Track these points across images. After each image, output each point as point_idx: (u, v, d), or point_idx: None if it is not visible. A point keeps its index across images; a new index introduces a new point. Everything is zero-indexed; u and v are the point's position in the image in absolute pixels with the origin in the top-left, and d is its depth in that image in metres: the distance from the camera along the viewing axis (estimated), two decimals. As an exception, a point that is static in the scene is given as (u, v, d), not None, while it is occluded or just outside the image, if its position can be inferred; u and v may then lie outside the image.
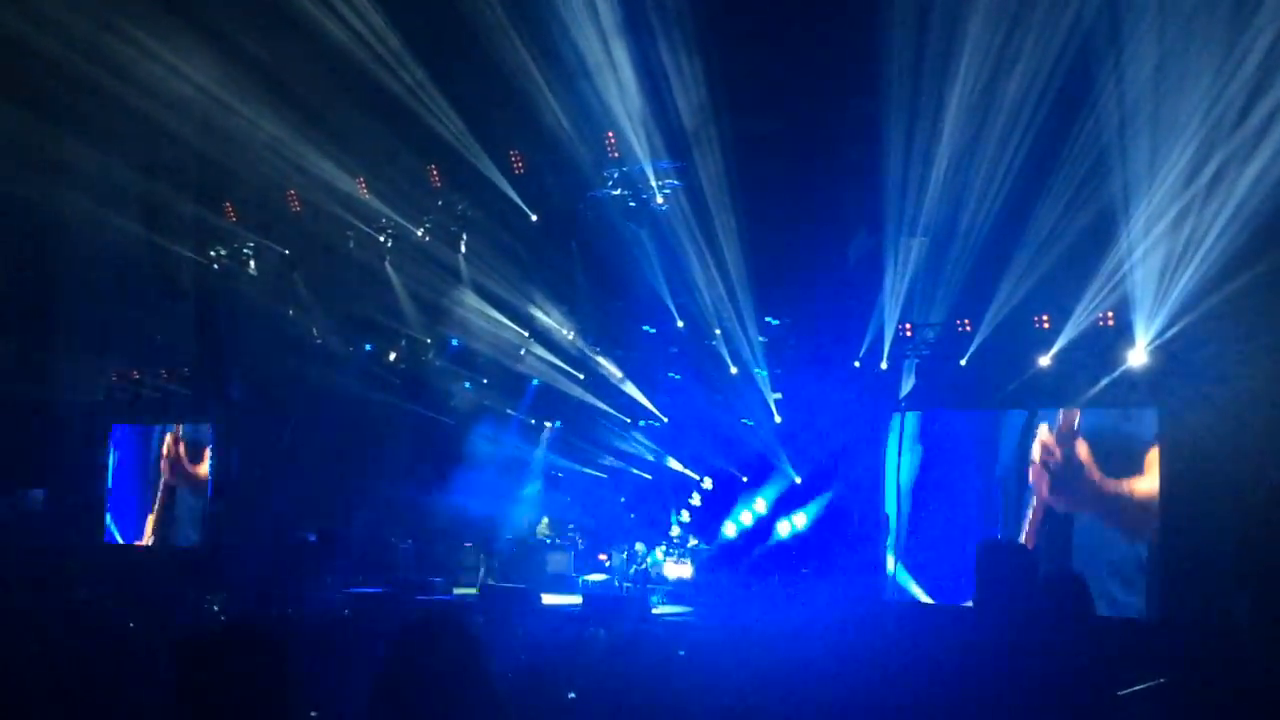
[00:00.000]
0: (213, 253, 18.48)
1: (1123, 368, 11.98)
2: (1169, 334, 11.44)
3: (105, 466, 20.56)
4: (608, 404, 17.41)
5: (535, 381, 17.98)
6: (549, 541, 16.70)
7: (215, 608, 13.32)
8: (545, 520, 16.89)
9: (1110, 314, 12.10)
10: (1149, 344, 11.66)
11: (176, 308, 19.47)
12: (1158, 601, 11.62)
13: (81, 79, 14.69)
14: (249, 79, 14.73)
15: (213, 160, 17.18)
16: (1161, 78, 10.72)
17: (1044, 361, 12.70)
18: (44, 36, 14.10)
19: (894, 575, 13.49)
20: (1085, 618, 4.19)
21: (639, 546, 15.73)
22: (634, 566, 15.47)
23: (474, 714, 3.29)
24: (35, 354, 19.38)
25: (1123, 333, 11.95)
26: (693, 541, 15.96)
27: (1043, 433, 12.89)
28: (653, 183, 14.78)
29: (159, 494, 19.93)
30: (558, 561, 16.31)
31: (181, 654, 2.81)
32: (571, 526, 16.71)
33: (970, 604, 4.52)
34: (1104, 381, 12.16)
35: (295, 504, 18.30)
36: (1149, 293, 11.50)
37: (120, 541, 20.08)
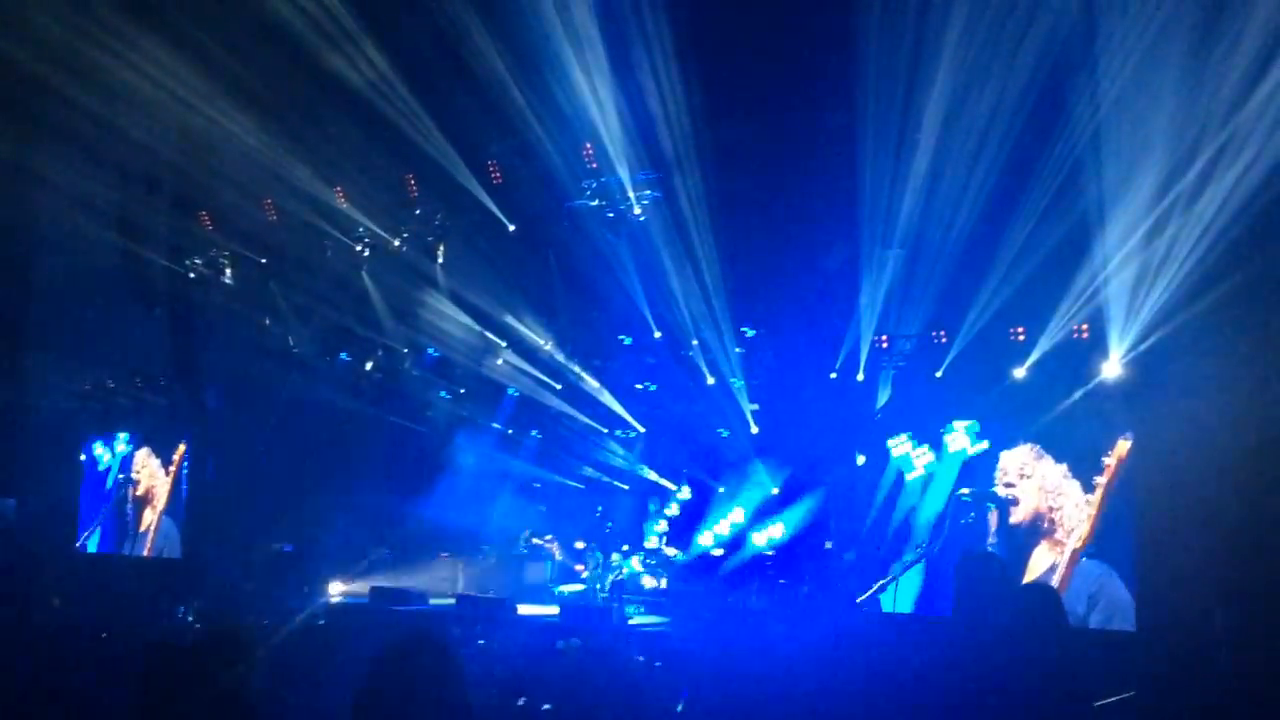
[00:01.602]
0: (188, 261, 18.39)
1: (1097, 380, 12.04)
2: (1143, 347, 11.50)
3: (78, 476, 20.42)
4: (585, 414, 17.41)
5: (513, 391, 17.97)
6: (526, 552, 16.67)
7: (190, 618, 13.27)
8: (527, 533, 16.85)
9: (1085, 326, 12.17)
10: (1123, 356, 11.73)
11: (152, 316, 19.38)
12: (1134, 613, 11.66)
13: (55, 87, 14.61)
14: (225, 87, 14.67)
15: (188, 169, 17.10)
16: (1136, 91, 10.79)
17: (1019, 373, 12.77)
18: (16, 44, 14.02)
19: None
20: (1057, 630, 4.21)
21: (615, 557, 15.71)
22: (610, 577, 15.45)
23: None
24: (7, 362, 19.25)
25: (1097, 345, 12.02)
26: (670, 551, 15.96)
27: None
28: (630, 194, 14.79)
29: (132, 503, 19.79)
30: (534, 572, 16.28)
31: (150, 656, 2.80)
32: (549, 537, 16.68)
33: (945, 615, 4.54)
34: (1078, 393, 12.22)
35: (271, 514, 18.23)
36: (1123, 305, 11.57)
37: (93, 551, 19.94)
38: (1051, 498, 12.48)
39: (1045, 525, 12.52)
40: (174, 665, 2.83)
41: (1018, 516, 12.72)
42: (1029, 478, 12.74)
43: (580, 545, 16.04)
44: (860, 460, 14.09)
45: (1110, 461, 12.01)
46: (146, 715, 2.77)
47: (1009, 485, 12.82)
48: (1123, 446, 11.93)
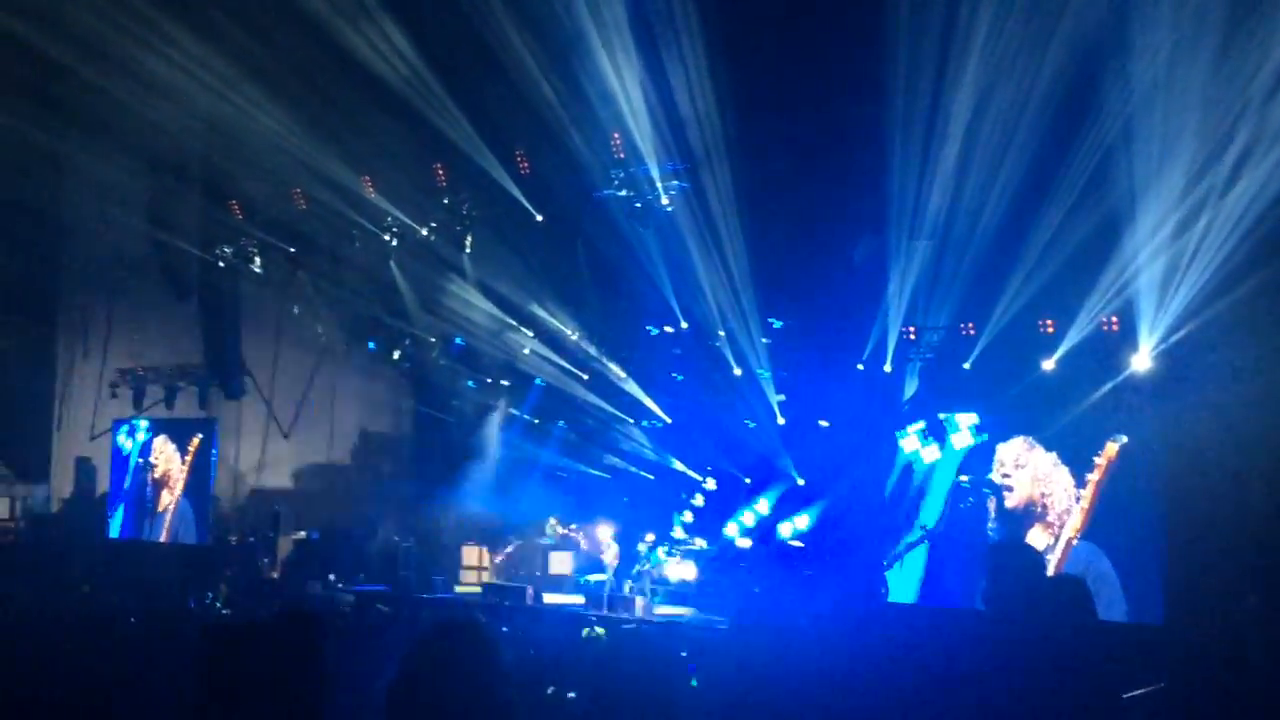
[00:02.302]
0: (218, 250, 18.51)
1: (1126, 372, 11.97)
2: (1173, 339, 11.43)
3: (108, 463, 20.59)
4: (611, 404, 17.42)
5: (539, 381, 18.00)
6: (552, 542, 16.70)
7: (219, 603, 13.37)
8: (553, 520, 16.88)
9: (1115, 319, 12.09)
10: (1153, 349, 11.65)
11: (181, 305, 19.52)
12: (1162, 606, 11.61)
13: (87, 76, 14.72)
14: (255, 77, 14.74)
15: (218, 158, 17.21)
16: (1168, 82, 10.70)
17: (1048, 365, 12.70)
18: (48, 34, 14.13)
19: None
20: (1087, 621, 4.19)
21: (641, 547, 15.72)
22: (636, 567, 15.47)
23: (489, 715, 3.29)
24: (40, 350, 19.43)
25: (1127, 338, 11.94)
26: (697, 543, 15.97)
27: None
28: (658, 184, 14.78)
29: (162, 490, 19.96)
30: (560, 561, 16.31)
31: (210, 639, 2.81)
32: (574, 526, 16.71)
33: (973, 607, 4.53)
34: (1107, 386, 12.15)
35: (298, 502, 18.35)
36: (1153, 298, 11.49)
37: (123, 537, 20.11)
38: (1043, 484, 12.68)
39: (1038, 510, 12.68)
40: (237, 647, 2.84)
41: (1012, 502, 12.87)
42: (1023, 467, 12.93)
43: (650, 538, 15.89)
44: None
45: (1100, 461, 12.07)
46: (211, 698, 2.78)
47: (1005, 475, 12.97)
48: (1111, 448, 11.99)
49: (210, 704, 2.75)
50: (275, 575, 17.21)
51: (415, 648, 3.36)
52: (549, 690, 6.62)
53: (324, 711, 2.86)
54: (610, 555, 15.61)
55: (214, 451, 19.34)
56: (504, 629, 11.67)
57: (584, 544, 16.45)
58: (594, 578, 15.76)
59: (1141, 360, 11.78)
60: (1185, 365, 11.43)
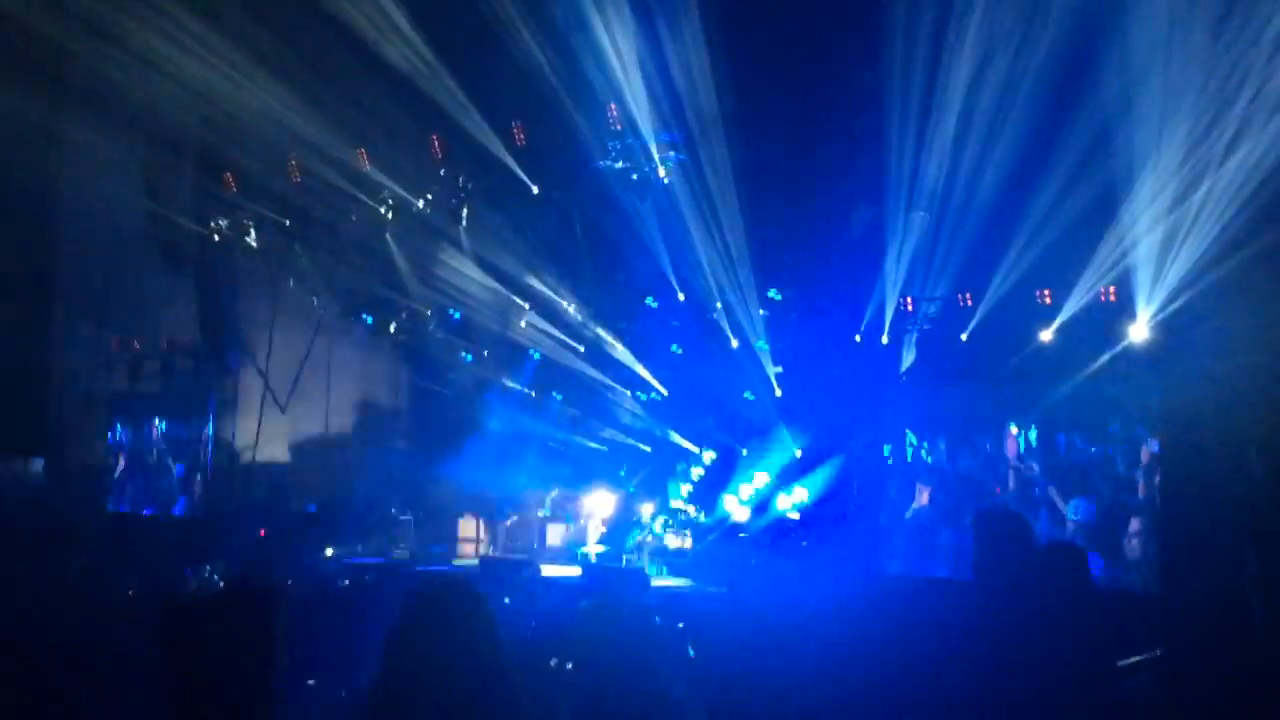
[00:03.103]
0: (213, 223, 18.44)
1: (1124, 343, 11.96)
2: (1171, 309, 11.40)
3: (105, 435, 20.57)
4: (608, 376, 17.42)
5: (536, 354, 17.98)
6: (549, 514, 16.72)
7: (215, 576, 13.37)
8: (555, 491, 16.90)
9: (1112, 289, 12.06)
10: (1151, 319, 11.63)
11: (176, 277, 19.46)
12: (1157, 574, 11.64)
13: (82, 50, 14.64)
14: (250, 49, 14.66)
15: (212, 130, 17.13)
16: (1167, 51, 10.65)
17: (1045, 336, 12.68)
18: (43, 8, 14.04)
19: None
20: (1083, 588, 4.19)
21: (648, 508, 15.75)
22: (633, 538, 15.49)
23: (481, 681, 3.30)
24: (35, 322, 19.38)
25: (1124, 307, 11.92)
26: (694, 513, 15.99)
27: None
28: (655, 155, 14.72)
29: (158, 463, 19.96)
30: (557, 533, 16.33)
31: (169, 614, 2.81)
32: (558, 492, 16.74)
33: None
34: (1105, 356, 12.13)
35: (295, 475, 18.35)
36: (1151, 267, 11.46)
37: (120, 510, 20.11)
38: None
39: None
40: (192, 622, 2.85)
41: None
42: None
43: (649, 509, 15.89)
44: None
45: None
46: (168, 671, 2.79)
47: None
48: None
49: (168, 676, 2.75)
50: (273, 548, 17.20)
51: (410, 601, 3.38)
52: (551, 662, 6.63)
53: (277, 681, 2.86)
54: (593, 527, 15.70)
55: (210, 425, 19.32)
56: (505, 600, 11.67)
57: (582, 516, 16.46)
58: (592, 549, 15.80)
59: (1139, 330, 11.76)
60: (1182, 334, 11.41)
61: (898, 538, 13.89)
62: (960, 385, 13.68)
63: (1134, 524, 12.04)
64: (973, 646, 4.18)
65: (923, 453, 14.05)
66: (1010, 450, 13.19)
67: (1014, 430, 13.20)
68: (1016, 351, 12.89)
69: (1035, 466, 12.96)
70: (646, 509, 15.95)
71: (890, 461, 14.17)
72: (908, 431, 14.12)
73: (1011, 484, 13.10)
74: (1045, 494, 12.76)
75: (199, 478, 19.42)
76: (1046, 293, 12.71)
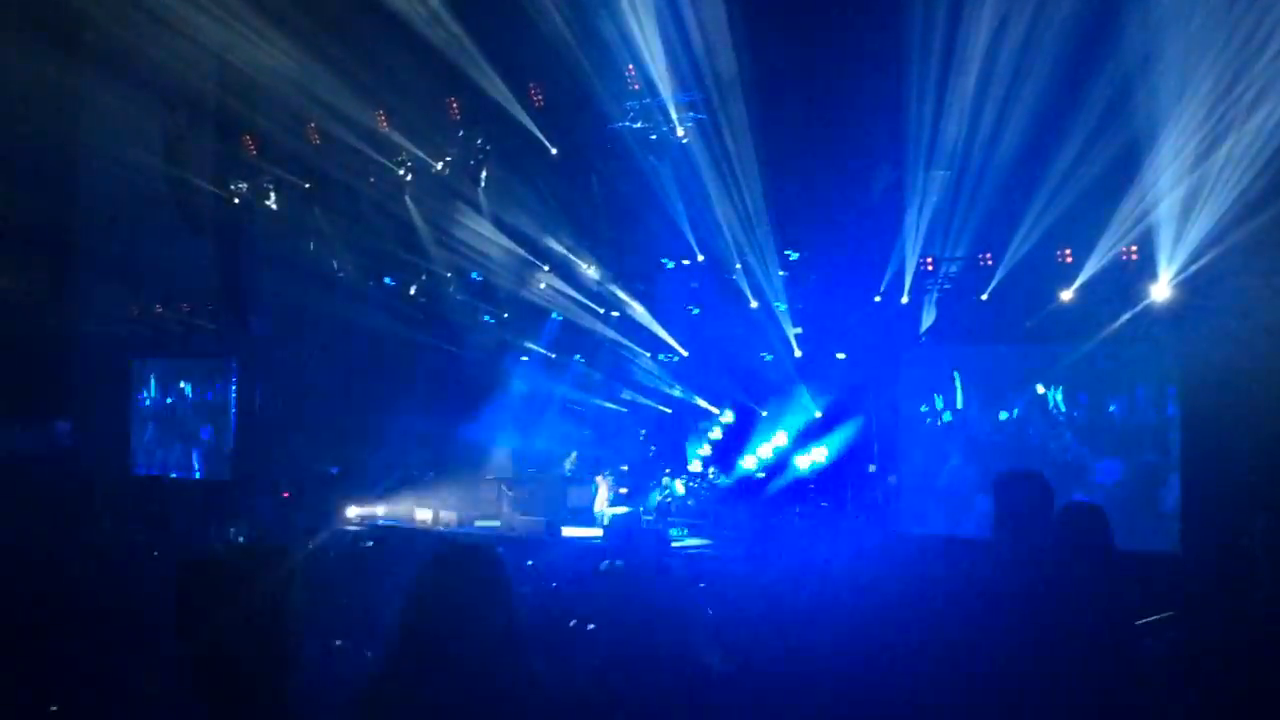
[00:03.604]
0: (233, 186, 18.47)
1: (1145, 302, 11.92)
2: (1192, 269, 11.35)
3: (129, 399, 20.74)
4: (628, 338, 17.43)
5: (555, 315, 18.00)
6: (570, 475, 16.78)
7: (240, 539, 13.50)
8: (574, 455, 16.95)
9: (1134, 248, 12.02)
10: (1172, 279, 11.59)
11: (197, 241, 19.52)
12: (1179, 534, 11.66)
13: (100, 13, 14.63)
14: (268, 11, 14.63)
15: (231, 93, 17.13)
16: (1188, 10, 10.55)
17: (1066, 296, 12.64)
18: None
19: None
20: (1104, 549, 4.20)
21: (667, 472, 15.81)
22: (657, 496, 15.56)
23: (498, 642, 3.34)
24: (58, 287, 19.49)
25: (1145, 267, 11.87)
26: (711, 474, 16.05)
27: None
28: (674, 115, 14.65)
29: (182, 426, 20.13)
30: (578, 495, 16.40)
31: (185, 573, 2.85)
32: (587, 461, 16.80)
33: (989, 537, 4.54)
34: (1126, 316, 12.10)
35: (317, 437, 18.46)
36: (1172, 227, 11.41)
37: (144, 473, 20.29)
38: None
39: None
40: (209, 580, 2.89)
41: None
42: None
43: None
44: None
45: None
46: (184, 630, 2.83)
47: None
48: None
49: (185, 634, 2.80)
50: (297, 510, 17.35)
51: (428, 568, 3.42)
52: (571, 623, 6.69)
53: (296, 641, 2.91)
54: (600, 496, 15.79)
55: (233, 388, 19.46)
56: (529, 562, 11.74)
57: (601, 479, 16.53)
58: (613, 510, 15.87)
59: (1160, 289, 11.73)
60: (1204, 294, 11.37)
61: (929, 500, 13.90)
62: (986, 345, 13.67)
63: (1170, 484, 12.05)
64: (990, 606, 4.20)
65: (946, 415, 14.05)
66: (1039, 411, 13.19)
67: (1040, 390, 13.19)
68: (1038, 311, 12.86)
69: (1064, 427, 12.96)
70: (666, 471, 16.01)
71: (927, 422, 14.17)
72: (936, 396, 14.12)
73: (1041, 445, 13.10)
74: (1076, 455, 12.77)
75: (223, 440, 19.58)
76: (1067, 252, 12.67)
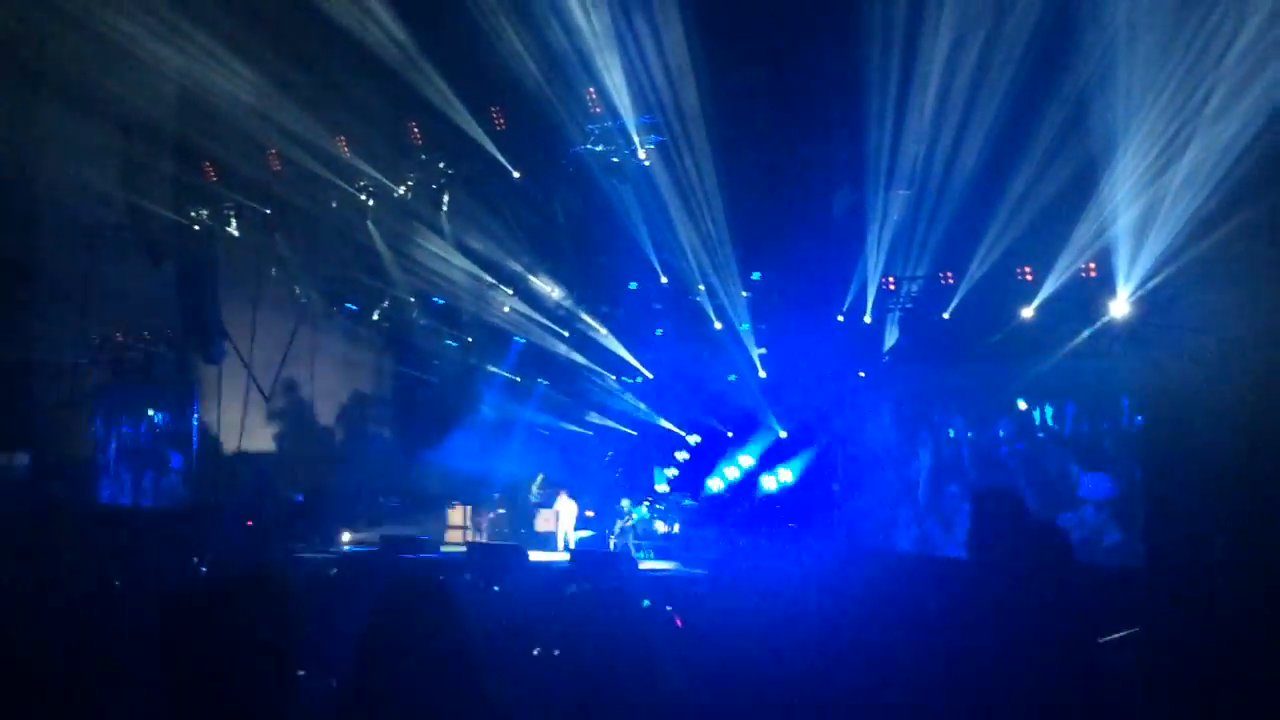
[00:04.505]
0: (193, 214, 18.36)
1: (1105, 318, 12.00)
2: (1150, 284, 11.45)
3: (89, 428, 20.52)
4: (592, 361, 17.42)
5: (520, 339, 17.98)
6: (537, 500, 16.73)
7: (203, 568, 13.36)
8: (540, 478, 16.91)
9: (1092, 265, 12.11)
10: (1131, 294, 11.68)
11: (158, 269, 19.38)
12: (1140, 548, 11.72)
13: (60, 41, 14.54)
14: (228, 39, 14.58)
15: (192, 120, 17.04)
16: (1141, 26, 10.67)
17: (1027, 313, 12.73)
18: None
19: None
20: (1064, 566, 4.22)
21: (624, 503, 15.77)
22: (619, 523, 15.52)
23: (455, 672, 3.33)
24: (17, 316, 19.29)
25: (1105, 283, 11.96)
26: (677, 496, 16.04)
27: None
28: (635, 138, 14.69)
29: (144, 455, 19.93)
30: (545, 519, 16.36)
31: (168, 606, 2.82)
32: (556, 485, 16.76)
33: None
34: (1086, 332, 12.19)
35: (281, 464, 18.33)
36: (1130, 244, 11.51)
37: (106, 503, 20.07)
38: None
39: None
40: (193, 613, 2.86)
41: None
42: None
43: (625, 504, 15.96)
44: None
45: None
46: (170, 663, 2.80)
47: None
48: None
49: (175, 668, 2.77)
50: (260, 537, 17.21)
51: (382, 596, 3.41)
52: (535, 651, 6.63)
53: (291, 669, 2.89)
54: (565, 520, 15.76)
55: (195, 416, 19.29)
56: (495, 588, 11.69)
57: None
58: (580, 534, 15.83)
59: (1120, 306, 11.81)
60: (1162, 310, 11.46)
61: (898, 517, 13.91)
62: (954, 363, 13.73)
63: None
64: (956, 623, 4.21)
65: (919, 433, 14.10)
66: (1020, 427, 13.24)
67: (1023, 406, 13.24)
68: (999, 329, 12.94)
69: (1047, 442, 13.01)
70: (633, 494, 15.99)
71: (896, 440, 14.21)
72: (906, 414, 14.18)
73: (1022, 461, 13.15)
74: (1060, 470, 12.82)
75: (185, 469, 19.40)
76: (1028, 270, 12.75)
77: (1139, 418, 12.14)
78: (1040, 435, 13.08)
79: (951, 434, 13.86)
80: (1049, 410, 13.10)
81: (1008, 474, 13.07)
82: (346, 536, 16.27)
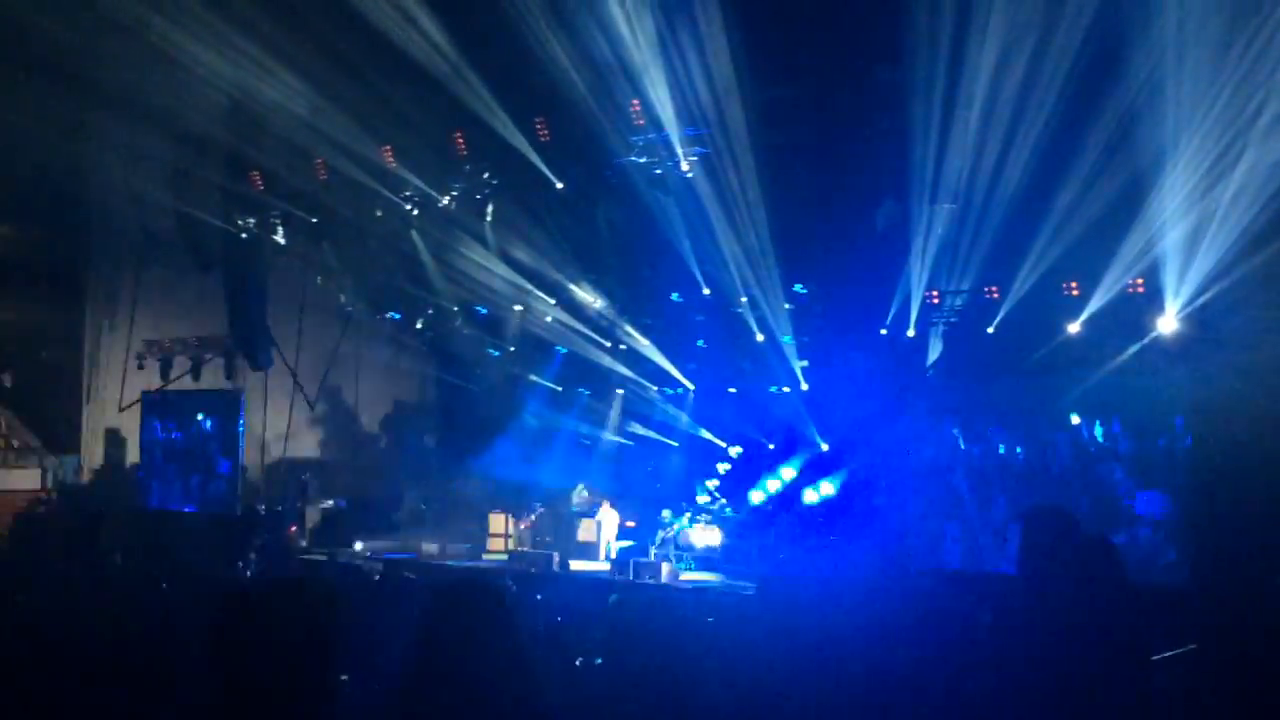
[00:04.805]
0: (241, 222, 18.56)
1: (1153, 334, 11.89)
2: (1200, 301, 11.34)
3: (138, 433, 20.75)
4: (635, 371, 17.44)
5: (562, 350, 18.03)
6: (578, 509, 16.75)
7: (249, 572, 13.49)
8: (580, 487, 16.93)
9: (1140, 280, 12.00)
10: (1179, 311, 11.57)
11: (206, 276, 19.61)
12: (1189, 568, 11.59)
13: (110, 49, 14.73)
14: (276, 47, 14.73)
15: (240, 129, 17.22)
16: (1194, 38, 10.57)
17: (1073, 329, 12.63)
18: (71, 7, 14.14)
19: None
20: (1118, 584, 4.18)
21: (665, 514, 15.77)
22: (660, 534, 15.52)
23: (503, 676, 3.34)
24: (67, 322, 19.57)
25: (1153, 299, 11.85)
26: (719, 508, 16.00)
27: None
28: (679, 150, 14.70)
29: (190, 461, 20.13)
30: (586, 528, 16.37)
31: (226, 605, 2.86)
32: (599, 493, 16.75)
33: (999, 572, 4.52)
34: (1133, 349, 12.07)
35: (325, 471, 18.46)
36: (1180, 259, 11.40)
37: (153, 508, 20.29)
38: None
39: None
40: (236, 615, 2.89)
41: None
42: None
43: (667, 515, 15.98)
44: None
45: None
46: (212, 666, 2.84)
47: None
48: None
49: (225, 668, 2.80)
50: (303, 544, 17.35)
51: (433, 602, 3.43)
52: (577, 661, 6.66)
53: (337, 673, 2.92)
54: (606, 530, 15.75)
55: (241, 422, 19.48)
56: (538, 596, 11.71)
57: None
58: (621, 544, 15.83)
59: (1168, 322, 11.70)
60: (1212, 327, 11.35)
61: (947, 533, 13.81)
62: (1000, 378, 13.64)
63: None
64: (1006, 639, 4.19)
65: (963, 446, 14.01)
66: (1073, 442, 13.11)
67: (1076, 420, 13.10)
68: (1044, 345, 12.84)
69: (1099, 459, 12.88)
70: (674, 505, 15.97)
71: (942, 454, 14.13)
72: (953, 428, 14.09)
73: (1072, 478, 13.02)
74: (1113, 487, 12.69)
75: (231, 474, 19.58)
76: (1074, 285, 12.65)
77: (1189, 438, 12.01)
78: (1093, 450, 12.93)
79: (1002, 449, 13.73)
80: (1099, 427, 12.96)
81: (1060, 489, 12.93)
82: (390, 544, 16.35)
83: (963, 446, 14.04)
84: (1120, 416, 12.75)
